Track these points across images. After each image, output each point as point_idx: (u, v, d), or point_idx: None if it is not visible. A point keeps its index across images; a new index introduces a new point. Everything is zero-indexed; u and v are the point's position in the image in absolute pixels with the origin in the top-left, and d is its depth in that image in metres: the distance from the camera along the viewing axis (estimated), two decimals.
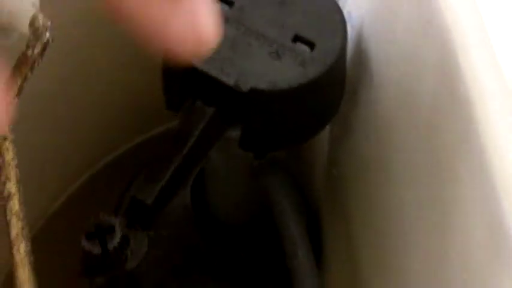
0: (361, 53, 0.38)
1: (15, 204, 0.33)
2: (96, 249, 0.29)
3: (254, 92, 0.32)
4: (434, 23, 0.30)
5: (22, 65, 0.34)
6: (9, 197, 0.33)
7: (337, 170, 0.44)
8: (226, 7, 0.34)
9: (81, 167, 0.51)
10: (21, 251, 0.33)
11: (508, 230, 0.24)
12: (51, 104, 0.45)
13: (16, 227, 0.33)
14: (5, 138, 0.34)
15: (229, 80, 0.32)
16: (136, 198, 0.31)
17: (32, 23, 0.34)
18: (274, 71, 0.33)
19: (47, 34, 0.34)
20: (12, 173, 0.33)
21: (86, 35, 0.44)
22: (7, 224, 0.33)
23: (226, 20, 0.34)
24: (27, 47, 0.34)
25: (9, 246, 0.33)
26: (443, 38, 0.29)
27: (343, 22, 0.35)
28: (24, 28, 0.35)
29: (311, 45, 0.34)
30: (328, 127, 0.41)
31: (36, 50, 0.34)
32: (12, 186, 0.33)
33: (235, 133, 0.34)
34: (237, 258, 0.46)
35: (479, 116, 0.26)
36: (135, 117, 0.51)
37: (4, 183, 0.33)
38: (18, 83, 0.34)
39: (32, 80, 0.35)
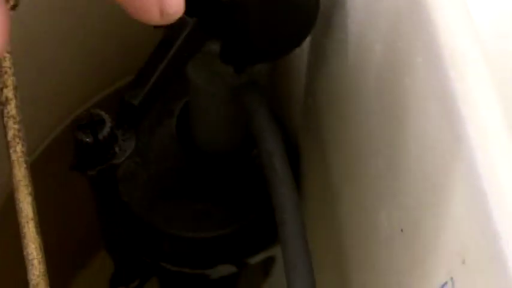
0: None
1: (12, 109, 0.36)
2: (88, 139, 0.32)
3: (233, 2, 0.35)
4: None
5: None
6: (6, 101, 0.36)
7: (312, 99, 0.47)
8: None
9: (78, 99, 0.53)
10: (18, 151, 0.35)
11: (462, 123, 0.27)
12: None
13: (12, 128, 0.35)
14: None
15: None
16: (125, 100, 0.34)
17: None
18: None
19: None
20: (9, 80, 0.36)
21: None
22: (4, 127, 0.36)
23: None
24: None
25: (6, 146, 0.36)
26: None
27: None
28: None
29: None
30: (304, 57, 0.44)
31: None
32: (9, 92, 0.36)
33: (216, 48, 0.37)
34: (219, 182, 0.49)
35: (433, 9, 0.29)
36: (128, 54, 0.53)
37: (1, 89, 0.36)
38: None
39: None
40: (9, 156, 0.36)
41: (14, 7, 0.37)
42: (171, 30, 0.36)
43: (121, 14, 0.50)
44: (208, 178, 0.49)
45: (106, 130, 0.32)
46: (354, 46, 0.39)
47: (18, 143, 0.36)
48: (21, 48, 0.37)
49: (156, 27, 0.38)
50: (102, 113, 0.33)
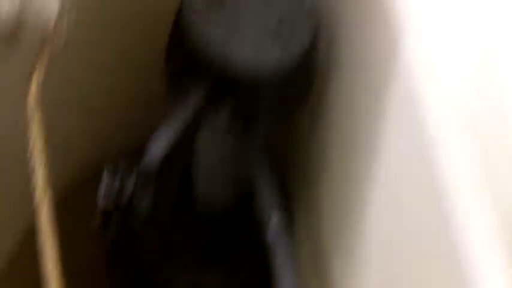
0: (331, 43, 0.44)
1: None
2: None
3: (244, 69, 0.39)
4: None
5: (43, 57, 0.40)
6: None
7: (306, 160, 0.50)
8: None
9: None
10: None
11: None
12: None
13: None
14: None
15: (223, 59, 0.38)
16: (142, 165, 0.38)
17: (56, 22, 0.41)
18: (262, 52, 0.39)
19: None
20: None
21: (97, 31, 0.51)
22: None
23: (223, 6, 0.40)
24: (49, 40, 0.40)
25: None
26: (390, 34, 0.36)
27: (316, 16, 0.42)
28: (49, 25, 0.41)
29: (291, 33, 0.40)
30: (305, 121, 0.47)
31: (60, 41, 0.40)
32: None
33: (225, 109, 0.41)
34: (221, 241, 0.52)
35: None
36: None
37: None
38: (44, 66, 0.40)
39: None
40: None
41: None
42: (186, 95, 0.40)
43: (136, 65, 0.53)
44: (210, 237, 0.52)
45: (132, 181, 0.36)
46: (343, 118, 0.43)
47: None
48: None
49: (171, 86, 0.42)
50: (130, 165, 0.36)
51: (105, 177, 0.37)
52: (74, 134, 0.54)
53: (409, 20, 0.35)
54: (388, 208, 0.38)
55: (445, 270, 0.30)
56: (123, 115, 0.57)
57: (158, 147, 0.39)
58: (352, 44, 0.42)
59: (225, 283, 0.52)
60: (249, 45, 0.39)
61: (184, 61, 0.40)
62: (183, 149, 0.41)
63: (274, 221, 0.43)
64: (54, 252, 0.37)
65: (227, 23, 0.40)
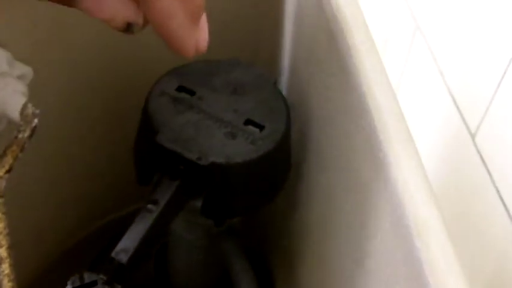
0: (304, 134, 0.44)
1: (6, 267, 0.38)
2: None
3: (213, 166, 0.38)
4: (359, 106, 0.36)
5: (14, 147, 0.39)
6: (1, 260, 0.38)
7: (287, 240, 0.50)
8: (188, 96, 0.40)
9: (63, 236, 0.56)
10: None
11: None
12: (38, 180, 0.51)
13: (7, 286, 0.38)
14: None
15: (193, 156, 0.38)
16: (114, 259, 0.37)
17: (23, 110, 0.40)
18: (230, 148, 0.39)
19: (35, 120, 0.40)
20: (4, 240, 0.38)
21: (61, 122, 0.50)
22: None
23: (190, 106, 0.40)
24: (18, 131, 0.40)
25: None
26: (368, 121, 0.35)
27: (287, 108, 0.42)
28: (15, 115, 0.40)
29: (260, 127, 0.40)
30: (277, 201, 0.47)
31: (26, 134, 0.39)
32: (3, 252, 0.38)
33: (197, 203, 0.40)
34: None
35: (393, 180, 0.32)
36: (111, 195, 0.56)
37: None
38: (10, 162, 0.39)
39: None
40: None
41: (9, 171, 0.40)
42: (156, 191, 0.39)
43: (106, 158, 0.54)
44: None
45: None
46: (323, 198, 0.42)
47: None
48: (11, 195, 0.40)
49: (140, 184, 0.42)
50: (94, 275, 0.35)
51: (73, 282, 0.35)
52: (44, 224, 0.54)
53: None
54: None
55: None
56: (95, 202, 0.56)
57: (128, 243, 0.38)
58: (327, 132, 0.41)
59: None
60: (218, 143, 0.39)
61: (152, 157, 0.39)
62: (154, 240, 0.40)
63: None
64: None
65: (195, 122, 0.39)
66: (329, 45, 0.40)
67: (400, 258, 0.32)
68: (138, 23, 0.31)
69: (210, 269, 0.49)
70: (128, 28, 0.31)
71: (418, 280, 0.30)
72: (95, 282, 0.35)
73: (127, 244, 0.37)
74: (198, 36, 0.31)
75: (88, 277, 0.35)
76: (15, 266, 0.38)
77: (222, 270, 0.48)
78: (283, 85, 0.47)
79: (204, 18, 0.32)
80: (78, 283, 0.35)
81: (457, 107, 0.53)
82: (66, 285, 0.35)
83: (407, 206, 0.32)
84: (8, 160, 0.39)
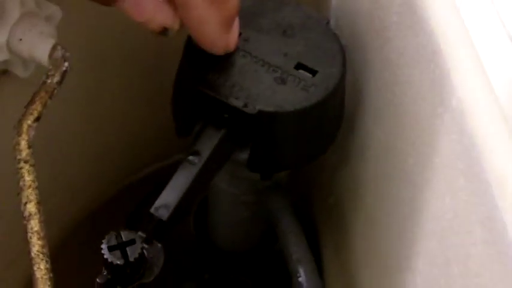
0: (358, 81, 0.40)
1: (36, 224, 0.35)
2: (119, 260, 0.31)
3: (262, 114, 0.34)
4: (427, 48, 0.32)
5: (42, 93, 0.36)
6: (29, 216, 0.35)
7: (334, 198, 0.46)
8: None
9: (96, 192, 0.53)
10: (42, 268, 0.34)
11: None
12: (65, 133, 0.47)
13: (37, 244, 0.35)
14: (25, 161, 0.36)
15: (239, 103, 0.34)
16: (153, 215, 0.33)
17: (51, 54, 0.36)
18: (280, 95, 0.35)
19: (66, 64, 0.36)
20: (33, 194, 0.35)
21: (95, 70, 0.47)
22: (28, 243, 0.35)
23: (235, 49, 0.36)
24: (47, 75, 0.36)
25: (30, 263, 0.35)
26: (436, 62, 0.31)
27: (341, 51, 0.38)
28: (44, 59, 0.37)
29: (313, 72, 0.36)
30: (326, 155, 0.43)
31: (56, 79, 0.36)
32: (32, 207, 0.35)
33: (242, 156, 0.37)
34: (241, 284, 0.48)
35: (471, 126, 0.28)
36: (142, 151, 0.53)
37: (25, 204, 0.35)
38: (39, 109, 0.36)
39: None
40: (33, 273, 0.35)
41: (38, 119, 0.37)
42: (199, 141, 0.35)
43: (132, 113, 0.51)
44: (228, 276, 0.48)
45: (137, 251, 0.31)
46: (382, 153, 0.38)
47: (42, 259, 0.35)
48: (40, 147, 0.37)
49: (179, 135, 0.38)
50: (133, 233, 0.32)
51: (109, 240, 0.32)
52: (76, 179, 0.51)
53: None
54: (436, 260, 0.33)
55: None
56: (128, 153, 0.53)
57: (169, 198, 0.34)
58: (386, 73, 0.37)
59: None
60: (266, 89, 0.35)
61: (193, 105, 0.35)
62: (196, 194, 0.36)
63: (300, 277, 0.38)
64: None
65: (241, 66, 0.36)
66: None
67: (475, 220, 0.28)
68: (174, 28, 0.33)
69: (254, 225, 0.46)
70: (164, 32, 0.33)
71: (499, 244, 0.27)
72: (133, 241, 0.32)
73: (168, 199, 0.34)
74: (228, 38, 0.34)
75: (125, 235, 0.32)
76: (45, 223, 0.35)
77: (266, 227, 0.45)
78: (335, 25, 0.43)
79: (236, 22, 0.34)
80: (114, 241, 0.32)
81: None
82: (101, 243, 0.32)
83: (487, 162, 0.28)
84: (37, 107, 0.36)
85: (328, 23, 0.39)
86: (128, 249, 0.31)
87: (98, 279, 0.33)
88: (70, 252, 0.52)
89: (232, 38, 0.34)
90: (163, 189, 0.34)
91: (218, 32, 0.32)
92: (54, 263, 0.35)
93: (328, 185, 0.45)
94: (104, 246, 0.31)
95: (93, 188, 0.52)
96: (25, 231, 0.35)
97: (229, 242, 0.48)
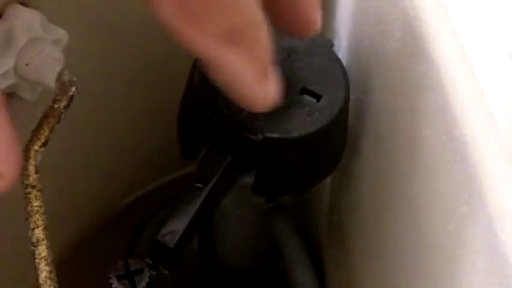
0: (361, 104, 0.41)
1: (43, 250, 0.35)
2: None
3: (267, 140, 0.35)
4: (430, 76, 0.32)
5: (49, 117, 0.36)
6: (37, 242, 0.35)
7: (338, 216, 0.46)
8: None
9: (100, 209, 0.54)
10: None
11: None
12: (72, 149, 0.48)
13: (44, 271, 0.35)
14: (33, 187, 0.36)
15: (244, 130, 0.35)
16: (160, 242, 0.34)
17: (59, 78, 0.37)
18: (285, 121, 0.35)
19: (73, 88, 0.37)
20: (40, 220, 0.36)
21: (103, 84, 0.47)
22: (35, 268, 0.35)
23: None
24: (54, 100, 0.37)
25: None
26: (440, 92, 0.32)
27: (345, 76, 0.38)
28: (50, 83, 0.37)
29: (317, 97, 0.37)
30: (330, 176, 0.43)
31: (63, 103, 0.36)
32: (40, 233, 0.35)
33: (247, 179, 0.37)
34: None
35: (473, 156, 0.29)
36: (151, 163, 0.54)
37: (33, 230, 0.35)
38: (46, 134, 0.36)
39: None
40: None
41: (45, 143, 0.37)
42: (205, 167, 0.35)
43: (137, 130, 0.51)
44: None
45: (145, 280, 0.32)
46: (385, 176, 0.38)
47: (50, 285, 0.35)
48: (46, 167, 0.37)
49: (185, 158, 0.39)
50: (140, 261, 0.33)
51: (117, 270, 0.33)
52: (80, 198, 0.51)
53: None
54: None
55: None
56: (132, 173, 0.53)
57: (176, 225, 0.35)
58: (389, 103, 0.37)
59: None
60: (272, 115, 0.35)
61: (199, 129, 0.36)
62: (203, 220, 0.37)
63: None
64: None
65: None
66: (393, 5, 0.36)
67: (478, 250, 0.29)
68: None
69: (259, 244, 0.46)
70: None
71: (501, 274, 0.27)
72: (140, 270, 0.32)
73: (174, 226, 0.34)
74: (267, 89, 0.29)
75: (133, 264, 0.32)
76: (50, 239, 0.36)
77: (270, 245, 0.45)
78: (339, 49, 0.43)
79: (272, 70, 0.29)
80: (122, 270, 0.32)
81: None
82: (110, 272, 0.32)
83: (488, 193, 0.28)
84: (44, 132, 0.36)
85: (332, 46, 0.39)
86: (135, 278, 0.32)
87: None
88: (74, 268, 0.52)
89: (271, 89, 0.29)
90: (165, 207, 0.35)
91: (254, 84, 0.28)
92: (58, 279, 0.36)
93: (332, 203, 0.46)
94: (111, 275, 0.32)
95: (97, 204, 0.53)
96: (33, 256, 0.35)
97: (233, 260, 0.48)
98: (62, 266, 0.53)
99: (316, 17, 0.30)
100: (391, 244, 0.38)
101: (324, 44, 0.39)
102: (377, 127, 0.39)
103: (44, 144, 0.37)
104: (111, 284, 0.32)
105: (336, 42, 0.44)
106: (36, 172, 0.36)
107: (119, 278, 0.32)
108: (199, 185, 0.35)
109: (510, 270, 0.27)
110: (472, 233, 0.29)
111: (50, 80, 0.37)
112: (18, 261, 0.44)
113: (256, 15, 0.27)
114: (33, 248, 0.35)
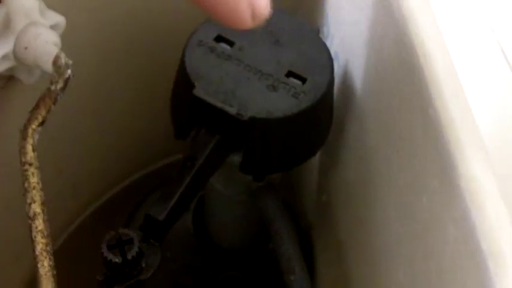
0: (347, 88, 0.42)
1: (40, 223, 0.37)
2: (117, 258, 0.33)
3: (254, 120, 0.36)
4: (410, 61, 0.34)
5: (46, 99, 0.38)
6: (34, 216, 0.37)
7: (326, 196, 0.48)
8: (228, 47, 0.39)
9: (99, 190, 0.55)
10: (46, 265, 0.36)
11: None
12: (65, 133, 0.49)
13: (40, 243, 0.37)
14: (30, 164, 0.38)
15: (232, 110, 0.36)
16: (151, 215, 0.35)
17: (55, 61, 0.38)
18: (271, 102, 0.37)
19: (69, 71, 0.38)
20: (37, 195, 0.37)
21: (98, 71, 0.49)
22: (32, 241, 0.37)
23: (229, 57, 0.38)
24: (51, 82, 0.38)
25: (34, 261, 0.37)
26: (418, 76, 0.33)
27: (330, 60, 0.40)
28: (48, 66, 0.39)
29: (303, 79, 0.38)
30: (317, 156, 0.45)
31: (59, 86, 0.38)
32: (37, 207, 0.37)
33: (236, 159, 0.39)
34: (235, 280, 0.50)
35: (446, 134, 0.30)
36: (145, 148, 0.55)
37: (30, 204, 0.37)
38: (43, 114, 0.38)
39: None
40: (37, 271, 0.37)
41: (42, 123, 0.39)
42: (195, 146, 0.37)
43: (135, 111, 0.53)
44: (225, 273, 0.50)
45: (135, 250, 0.33)
46: (368, 156, 0.40)
47: (46, 257, 0.37)
48: (43, 147, 0.39)
49: (177, 138, 0.40)
50: (131, 232, 0.34)
51: (109, 239, 0.34)
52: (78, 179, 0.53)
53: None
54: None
55: None
56: (130, 151, 0.55)
57: (167, 198, 0.36)
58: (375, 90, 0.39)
59: None
60: (259, 96, 0.37)
61: (189, 110, 0.37)
62: (192, 195, 0.39)
63: (291, 274, 0.40)
64: None
65: (234, 74, 0.38)
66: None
67: (448, 219, 0.30)
68: None
69: (248, 223, 0.48)
70: None
71: (469, 243, 0.29)
72: (130, 240, 0.34)
73: (164, 201, 0.36)
74: (253, 2, 0.26)
75: (124, 234, 0.34)
76: (49, 221, 0.37)
77: (260, 225, 0.47)
78: (326, 35, 0.45)
79: None
80: (113, 240, 0.34)
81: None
82: (102, 242, 0.34)
83: (459, 166, 0.30)
84: (41, 112, 0.38)
85: (318, 32, 0.41)
86: (126, 247, 0.34)
87: (97, 277, 0.36)
88: (73, 249, 0.54)
89: (258, 3, 0.26)
90: (161, 186, 0.36)
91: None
92: (57, 260, 0.37)
93: (320, 183, 0.47)
94: (103, 245, 0.33)
95: (96, 186, 0.55)
96: (30, 230, 0.37)
97: (224, 239, 0.50)
98: (61, 246, 0.55)
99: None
100: (375, 222, 0.40)
101: (311, 29, 0.41)
102: (361, 109, 0.41)
103: (41, 124, 0.38)
104: (102, 253, 0.33)
105: (324, 29, 0.46)
106: (33, 150, 0.38)
107: (110, 248, 0.33)
108: (189, 162, 0.37)
109: (477, 240, 0.28)
110: (442, 204, 0.31)
111: (47, 63, 0.39)
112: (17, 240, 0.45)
113: None
114: (30, 221, 0.37)
